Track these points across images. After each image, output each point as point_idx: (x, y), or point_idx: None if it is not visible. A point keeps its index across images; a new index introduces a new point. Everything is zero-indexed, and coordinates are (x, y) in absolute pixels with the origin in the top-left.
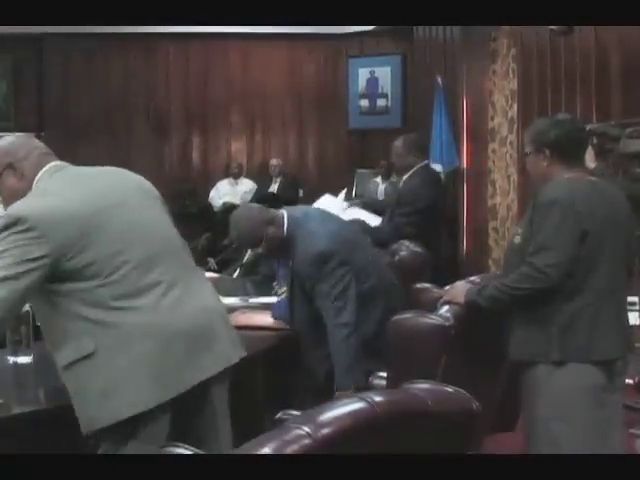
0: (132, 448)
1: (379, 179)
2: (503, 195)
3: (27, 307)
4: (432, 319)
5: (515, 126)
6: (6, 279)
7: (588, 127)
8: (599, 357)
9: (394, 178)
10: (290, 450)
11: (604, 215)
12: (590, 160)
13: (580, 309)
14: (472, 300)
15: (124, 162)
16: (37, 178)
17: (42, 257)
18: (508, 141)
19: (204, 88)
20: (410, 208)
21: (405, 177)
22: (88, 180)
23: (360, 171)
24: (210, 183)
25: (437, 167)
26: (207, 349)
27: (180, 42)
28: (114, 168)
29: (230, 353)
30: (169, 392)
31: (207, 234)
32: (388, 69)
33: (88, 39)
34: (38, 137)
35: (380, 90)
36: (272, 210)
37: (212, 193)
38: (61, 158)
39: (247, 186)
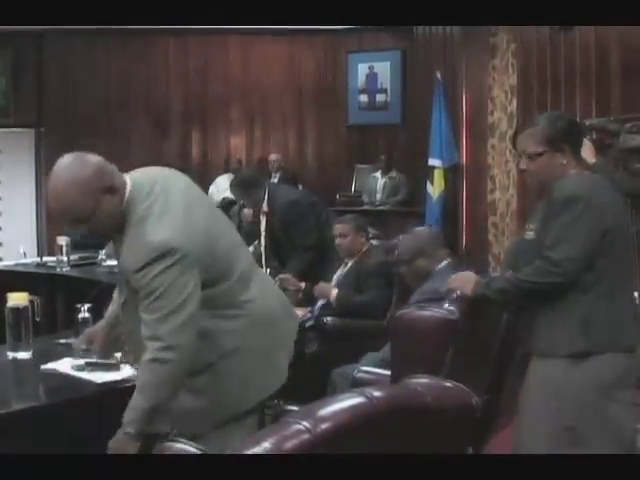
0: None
1: (379, 174)
2: (502, 190)
3: (26, 303)
4: (438, 312)
5: (515, 121)
6: (186, 321)
7: (588, 122)
8: (626, 343)
9: (393, 173)
10: (289, 445)
11: (616, 208)
12: (590, 156)
13: (599, 299)
14: (480, 293)
15: (124, 157)
16: (127, 196)
17: (197, 282)
18: (508, 136)
19: (203, 83)
20: (302, 223)
21: (265, 207)
22: (178, 197)
23: (359, 166)
24: (209, 178)
25: (437, 162)
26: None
27: (179, 37)
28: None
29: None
30: (283, 377)
31: None
32: (387, 64)
33: (88, 35)
34: (38, 133)
35: (379, 85)
36: None
37: (211, 188)
38: (61, 154)
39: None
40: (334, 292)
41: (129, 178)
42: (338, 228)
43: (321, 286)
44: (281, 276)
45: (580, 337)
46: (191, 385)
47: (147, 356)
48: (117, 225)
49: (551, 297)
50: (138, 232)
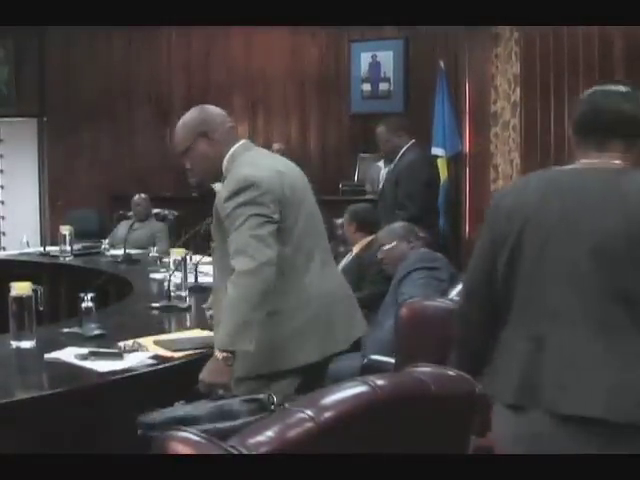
0: None
1: (381, 163)
2: (505, 179)
3: (29, 292)
4: (444, 303)
5: (518, 110)
6: (267, 238)
7: None
8: (503, 400)
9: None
10: (293, 433)
11: (571, 221)
12: None
13: (488, 339)
14: None
15: (126, 147)
16: (232, 150)
17: (278, 218)
18: (511, 125)
19: (206, 72)
20: (410, 186)
21: (396, 160)
22: (277, 160)
23: (362, 155)
24: None
25: (439, 151)
26: (352, 315)
27: (181, 26)
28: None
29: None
30: (338, 346)
31: (209, 219)
32: (390, 53)
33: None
34: (40, 122)
35: (382, 74)
36: None
37: None
38: (64, 143)
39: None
40: None
41: (244, 142)
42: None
43: None
44: None
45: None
46: None
47: (232, 275)
48: (213, 172)
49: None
50: (232, 173)
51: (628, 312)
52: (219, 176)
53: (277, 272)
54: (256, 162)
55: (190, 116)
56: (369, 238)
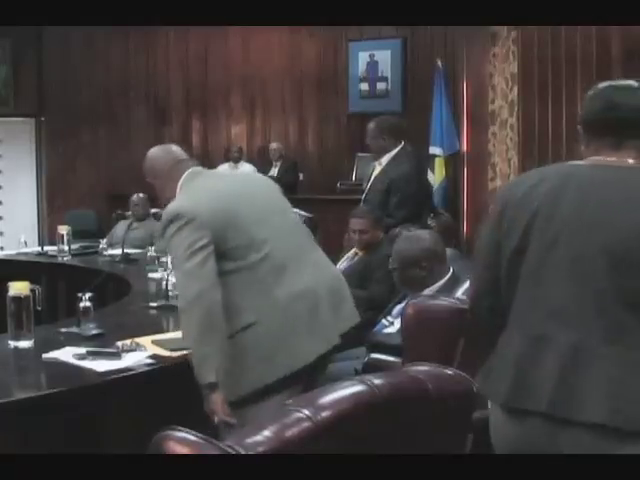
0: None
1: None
2: (503, 178)
3: (28, 291)
4: (449, 302)
5: (515, 109)
6: (193, 270)
7: None
8: (497, 400)
9: None
10: (290, 433)
11: (585, 218)
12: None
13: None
14: None
15: (124, 146)
16: (180, 184)
17: (208, 242)
18: (508, 124)
19: (204, 72)
20: (402, 194)
21: (384, 161)
22: (221, 180)
23: (360, 155)
24: (210, 167)
25: (437, 150)
26: (339, 308)
27: (179, 25)
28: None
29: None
30: (327, 345)
31: None
32: (388, 53)
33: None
34: (38, 122)
35: (380, 74)
36: None
37: None
38: (61, 143)
39: (247, 170)
40: None
41: (186, 174)
42: (356, 223)
43: None
44: None
45: None
46: None
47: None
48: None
49: None
50: None
51: (637, 316)
52: None
53: (240, 286)
54: (189, 194)
55: (147, 159)
56: (380, 236)
